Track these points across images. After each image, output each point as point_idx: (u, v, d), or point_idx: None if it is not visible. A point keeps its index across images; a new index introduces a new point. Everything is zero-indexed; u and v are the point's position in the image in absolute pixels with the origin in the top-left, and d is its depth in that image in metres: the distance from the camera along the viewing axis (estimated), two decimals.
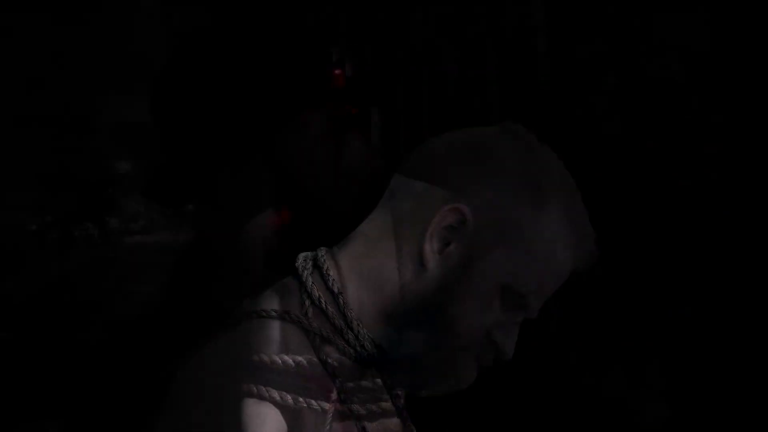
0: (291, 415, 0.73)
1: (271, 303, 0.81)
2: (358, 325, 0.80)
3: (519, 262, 0.79)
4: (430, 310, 0.79)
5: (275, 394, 0.73)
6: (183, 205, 1.27)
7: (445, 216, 0.77)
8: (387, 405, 0.84)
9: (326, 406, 0.76)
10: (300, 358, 0.77)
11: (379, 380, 0.82)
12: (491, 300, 0.79)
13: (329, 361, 0.78)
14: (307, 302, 0.80)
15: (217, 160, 1.16)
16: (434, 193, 0.78)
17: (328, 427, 0.76)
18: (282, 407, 0.73)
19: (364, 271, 0.81)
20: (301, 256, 0.85)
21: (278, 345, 0.77)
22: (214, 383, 0.73)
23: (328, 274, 0.81)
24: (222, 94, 1.15)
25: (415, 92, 2.86)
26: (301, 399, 0.74)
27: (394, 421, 0.85)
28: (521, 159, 0.81)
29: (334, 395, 0.77)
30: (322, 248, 0.86)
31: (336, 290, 0.80)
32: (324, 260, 0.83)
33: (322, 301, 0.80)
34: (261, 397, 0.72)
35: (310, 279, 0.81)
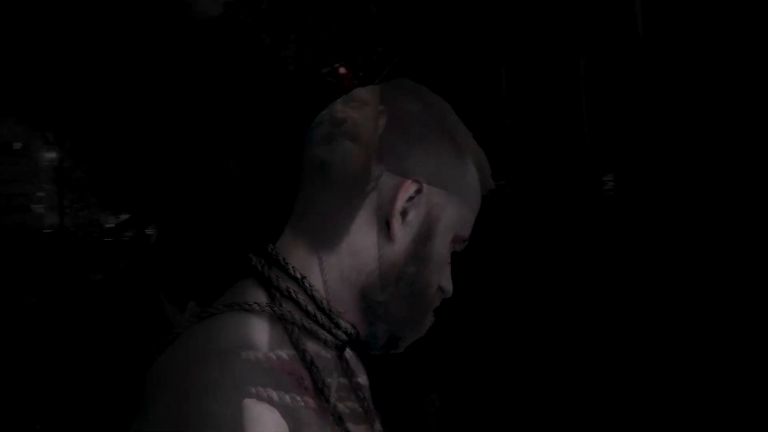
0: (289, 414, 0.73)
1: (243, 297, 0.81)
2: (329, 303, 0.82)
3: (462, 211, 0.86)
4: (403, 278, 0.83)
5: (273, 395, 0.72)
6: (120, 210, 1.31)
7: (408, 189, 0.81)
8: (352, 395, 0.86)
9: (305, 407, 0.76)
10: (285, 353, 0.77)
11: (350, 367, 0.85)
12: (448, 251, 0.86)
13: (307, 351, 0.79)
14: (278, 295, 0.80)
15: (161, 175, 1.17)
16: (384, 170, 0.81)
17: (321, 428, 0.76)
18: (280, 407, 0.72)
19: (324, 254, 0.83)
20: (252, 257, 0.85)
21: (265, 339, 0.77)
22: (203, 378, 0.71)
23: (287, 264, 0.82)
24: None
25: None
26: (298, 398, 0.75)
27: (363, 419, 0.87)
28: (433, 116, 0.86)
29: (308, 385, 0.78)
30: (268, 245, 0.86)
31: (299, 276, 0.81)
32: (277, 253, 0.83)
33: (291, 290, 0.81)
34: (259, 398, 0.71)
35: (272, 274, 0.82)
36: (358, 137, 0.83)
